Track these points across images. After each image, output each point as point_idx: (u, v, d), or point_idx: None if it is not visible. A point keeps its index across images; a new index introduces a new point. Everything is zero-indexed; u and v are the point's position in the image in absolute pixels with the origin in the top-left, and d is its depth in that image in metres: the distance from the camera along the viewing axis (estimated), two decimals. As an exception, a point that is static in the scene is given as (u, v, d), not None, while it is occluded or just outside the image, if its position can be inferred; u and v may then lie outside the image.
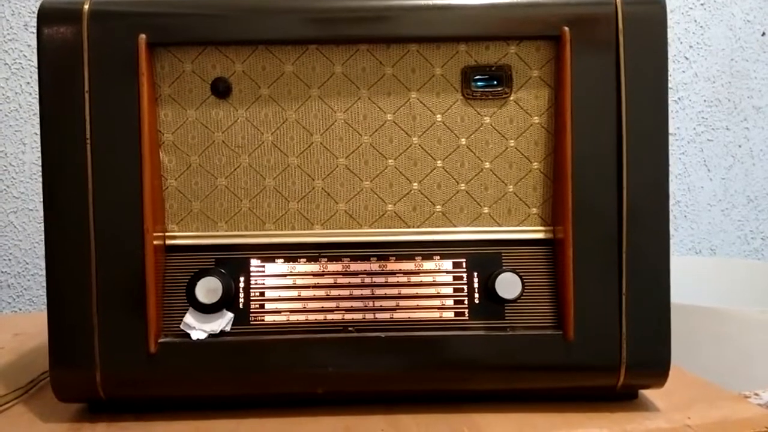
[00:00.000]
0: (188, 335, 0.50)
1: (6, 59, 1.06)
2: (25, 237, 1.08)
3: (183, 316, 0.51)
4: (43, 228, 0.50)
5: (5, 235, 1.07)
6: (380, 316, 0.51)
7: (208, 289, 0.50)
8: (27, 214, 1.08)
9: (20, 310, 1.08)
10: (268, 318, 0.51)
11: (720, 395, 0.55)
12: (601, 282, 0.51)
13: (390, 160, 0.52)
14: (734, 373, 0.77)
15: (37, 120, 1.02)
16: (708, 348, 0.81)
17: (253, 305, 0.51)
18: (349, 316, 0.51)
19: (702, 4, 1.26)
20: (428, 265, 0.52)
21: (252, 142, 0.52)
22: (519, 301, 0.51)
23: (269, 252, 0.52)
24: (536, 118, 0.52)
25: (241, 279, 0.51)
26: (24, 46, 1.06)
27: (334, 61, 0.51)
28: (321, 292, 0.51)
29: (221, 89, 0.51)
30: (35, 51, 0.50)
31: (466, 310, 0.51)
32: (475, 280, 0.52)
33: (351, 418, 0.50)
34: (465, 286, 0.52)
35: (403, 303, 0.51)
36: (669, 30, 0.51)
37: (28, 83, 1.06)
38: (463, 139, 0.52)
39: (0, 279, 1.08)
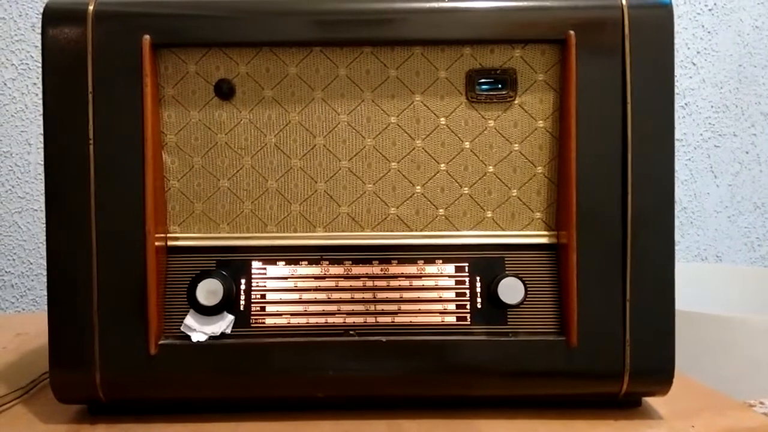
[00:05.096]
0: (189, 337, 0.50)
1: (13, 60, 1.06)
2: (29, 237, 1.08)
3: (184, 318, 0.50)
4: (45, 228, 0.50)
5: (9, 235, 1.08)
6: (382, 319, 0.51)
7: (208, 290, 0.50)
8: (31, 214, 1.08)
9: (23, 310, 1.09)
10: (269, 321, 0.51)
11: (725, 404, 0.55)
12: (605, 288, 0.50)
13: (393, 163, 0.52)
14: (739, 381, 0.76)
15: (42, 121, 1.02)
16: (713, 356, 0.81)
17: (254, 308, 0.51)
18: (350, 320, 0.51)
19: (710, 10, 1.25)
20: (430, 269, 0.52)
21: (255, 143, 0.52)
22: (522, 306, 0.51)
23: (271, 254, 0.52)
24: (541, 122, 0.52)
25: (242, 281, 0.51)
26: (31, 46, 1.06)
27: (337, 63, 0.51)
28: (322, 295, 0.51)
29: (225, 90, 0.51)
30: (42, 52, 0.50)
31: (469, 315, 0.51)
32: (478, 284, 0.51)
33: (352, 423, 0.50)
34: (467, 291, 0.51)
35: (404, 307, 0.51)
36: (676, 35, 0.50)
37: (35, 84, 1.07)
38: (467, 143, 0.52)
39: (4, 279, 1.08)
